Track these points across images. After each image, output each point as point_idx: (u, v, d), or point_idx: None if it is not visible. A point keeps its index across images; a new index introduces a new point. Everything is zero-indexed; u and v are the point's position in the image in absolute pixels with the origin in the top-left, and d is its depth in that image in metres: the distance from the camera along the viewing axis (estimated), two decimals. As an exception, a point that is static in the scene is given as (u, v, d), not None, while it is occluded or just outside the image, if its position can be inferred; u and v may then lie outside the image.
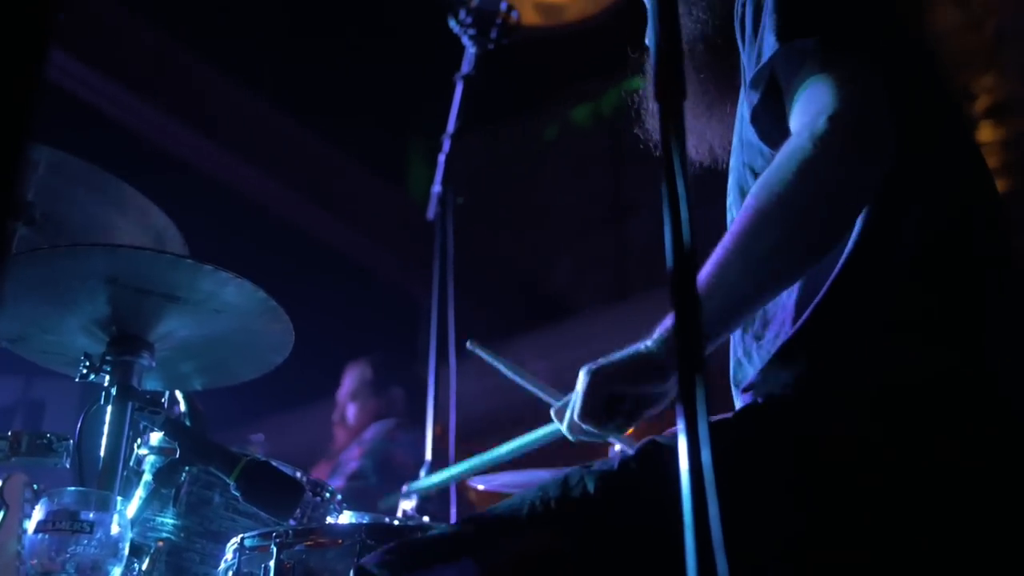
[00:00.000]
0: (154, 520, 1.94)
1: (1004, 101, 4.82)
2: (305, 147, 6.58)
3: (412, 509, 2.90)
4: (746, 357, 1.52)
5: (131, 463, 1.98)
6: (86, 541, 1.64)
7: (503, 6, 3.62)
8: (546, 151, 7.22)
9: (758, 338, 1.50)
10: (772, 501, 1.32)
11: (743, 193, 1.56)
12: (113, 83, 5.65)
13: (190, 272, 1.84)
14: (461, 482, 3.26)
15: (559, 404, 1.58)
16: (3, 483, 1.98)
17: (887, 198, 1.40)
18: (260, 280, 1.87)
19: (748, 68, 1.49)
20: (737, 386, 1.53)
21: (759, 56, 1.44)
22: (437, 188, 3.61)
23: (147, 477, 1.95)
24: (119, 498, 1.73)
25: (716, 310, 1.35)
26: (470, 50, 3.61)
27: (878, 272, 1.40)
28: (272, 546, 1.72)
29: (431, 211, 3.62)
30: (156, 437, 1.99)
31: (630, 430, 1.53)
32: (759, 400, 1.44)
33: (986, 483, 1.32)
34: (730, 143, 1.67)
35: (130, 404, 1.89)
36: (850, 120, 1.35)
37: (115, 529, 1.67)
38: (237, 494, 1.79)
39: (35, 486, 1.97)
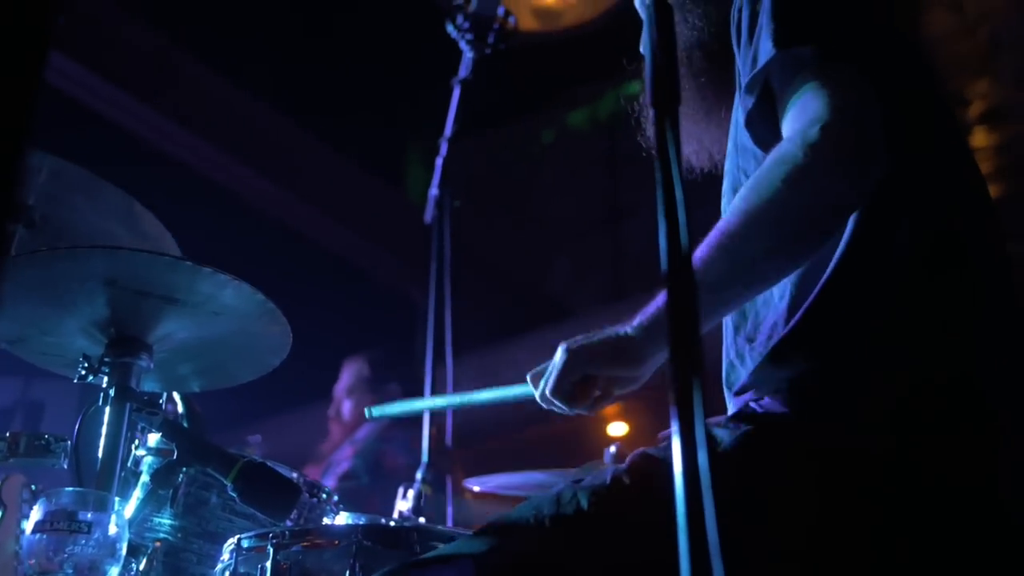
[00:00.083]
0: (151, 520, 1.94)
1: (998, 106, 4.84)
2: (304, 150, 6.58)
3: (408, 510, 2.90)
4: (739, 359, 1.53)
5: (129, 464, 1.98)
6: (84, 541, 1.64)
7: (500, 11, 3.64)
8: (543, 155, 7.24)
9: (750, 340, 1.50)
10: (767, 512, 1.32)
11: (737, 196, 1.57)
12: (111, 85, 5.65)
13: (189, 274, 1.85)
14: (457, 483, 3.27)
15: (536, 370, 1.61)
16: (1, 483, 1.98)
17: (880, 201, 1.40)
18: (258, 282, 1.88)
19: (743, 72, 1.49)
20: (730, 388, 1.53)
21: (755, 61, 1.45)
22: (435, 191, 3.63)
23: (145, 478, 1.95)
24: (117, 499, 1.73)
25: None
26: (468, 55, 3.62)
27: (870, 274, 1.41)
28: (269, 547, 1.73)
29: (428, 214, 3.63)
30: (154, 438, 1.99)
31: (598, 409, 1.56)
32: (752, 406, 1.43)
33: (983, 484, 1.32)
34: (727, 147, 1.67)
35: (128, 405, 1.89)
36: (843, 131, 1.35)
37: (113, 529, 1.67)
38: (234, 495, 1.79)
39: (33, 486, 1.97)
